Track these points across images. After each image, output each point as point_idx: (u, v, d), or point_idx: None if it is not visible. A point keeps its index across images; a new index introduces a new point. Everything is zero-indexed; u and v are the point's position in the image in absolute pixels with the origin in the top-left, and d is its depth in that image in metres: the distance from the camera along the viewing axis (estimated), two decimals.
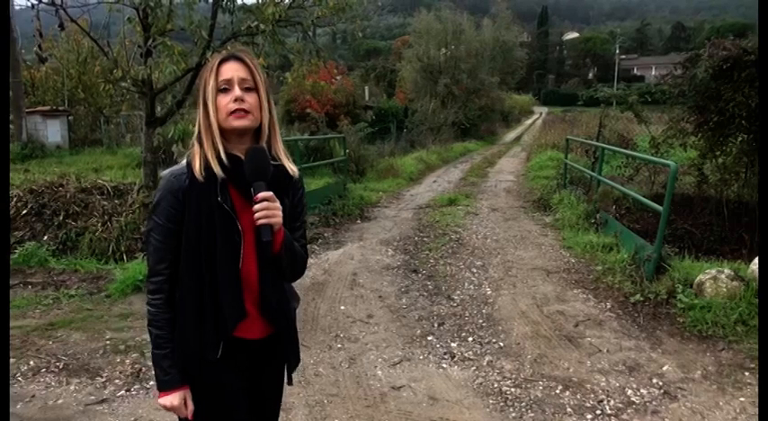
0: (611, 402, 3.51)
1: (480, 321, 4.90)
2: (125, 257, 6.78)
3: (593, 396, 3.59)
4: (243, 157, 1.62)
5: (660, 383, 3.74)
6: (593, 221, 8.12)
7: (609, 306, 5.21)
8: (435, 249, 7.34)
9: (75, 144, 20.03)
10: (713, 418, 3.31)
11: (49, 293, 5.60)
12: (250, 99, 1.63)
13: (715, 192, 8.50)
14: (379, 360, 4.14)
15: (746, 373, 3.84)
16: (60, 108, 20.51)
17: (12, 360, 4.06)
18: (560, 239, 7.82)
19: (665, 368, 3.97)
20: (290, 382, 1.90)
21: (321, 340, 4.47)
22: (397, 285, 5.91)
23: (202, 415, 1.73)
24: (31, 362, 4.04)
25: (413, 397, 3.59)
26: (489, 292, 5.67)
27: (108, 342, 4.39)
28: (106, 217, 7.43)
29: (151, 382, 3.75)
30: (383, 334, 4.64)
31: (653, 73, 61.75)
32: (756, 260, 4.89)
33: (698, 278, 4.95)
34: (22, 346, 4.31)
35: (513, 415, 3.39)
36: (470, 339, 4.52)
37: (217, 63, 1.65)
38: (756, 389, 3.61)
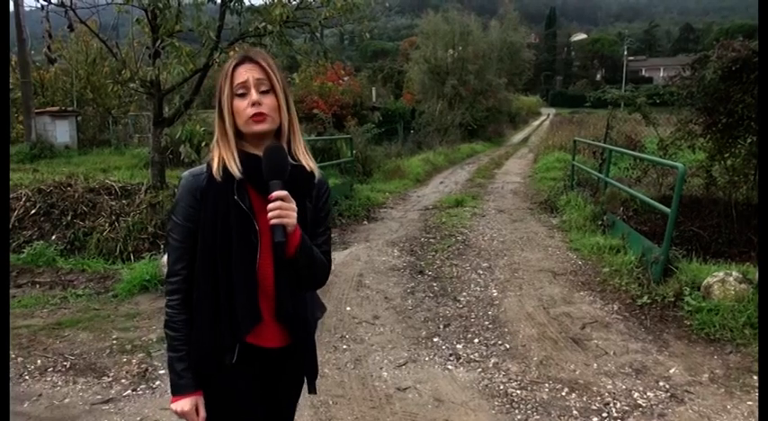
0: (618, 405, 3.49)
1: (486, 323, 4.89)
2: (132, 257, 6.82)
3: (599, 398, 3.57)
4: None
5: (667, 386, 3.72)
6: (600, 223, 8.08)
7: (616, 308, 5.19)
8: (441, 250, 7.33)
9: (83, 144, 20.14)
10: None
11: (56, 293, 5.63)
12: (267, 101, 1.59)
13: (723, 195, 8.45)
14: (385, 361, 4.14)
15: (754, 377, 3.81)
16: (69, 109, 20.64)
17: (19, 359, 4.08)
18: (567, 241, 7.79)
19: (672, 371, 3.94)
20: (312, 391, 1.83)
21: (327, 341, 4.47)
22: (403, 286, 5.90)
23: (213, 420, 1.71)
24: (39, 362, 4.06)
25: (418, 398, 3.58)
26: (495, 294, 5.66)
27: (114, 342, 4.41)
28: (114, 217, 7.46)
29: (157, 382, 3.76)
30: (389, 335, 4.64)
31: (661, 74, 61.54)
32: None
33: (706, 281, 4.92)
34: (30, 345, 4.34)
35: (519, 417, 3.38)
36: (476, 341, 4.51)
37: (231, 68, 1.60)
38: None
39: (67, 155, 17.66)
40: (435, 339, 4.55)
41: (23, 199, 7.60)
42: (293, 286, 1.66)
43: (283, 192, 1.50)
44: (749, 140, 7.96)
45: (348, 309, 5.22)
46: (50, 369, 3.96)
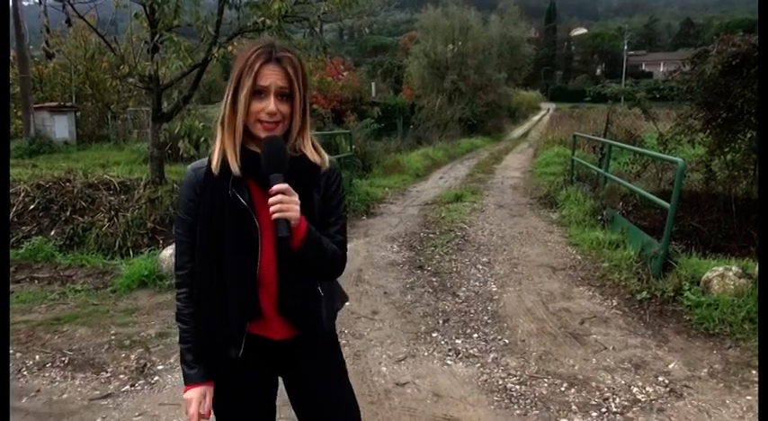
0: (617, 400, 3.49)
1: (485, 318, 4.88)
2: (131, 253, 6.81)
3: (598, 393, 3.57)
4: None
5: (666, 381, 3.71)
6: (599, 218, 8.08)
7: (615, 303, 5.18)
8: (441, 246, 7.32)
9: (82, 140, 20.12)
10: (720, 417, 3.28)
11: (55, 288, 5.63)
12: (283, 108, 1.55)
13: (723, 189, 8.44)
14: (384, 356, 4.13)
15: (754, 371, 3.80)
16: (68, 104, 20.61)
17: (17, 354, 4.08)
18: (567, 236, 7.78)
19: (671, 366, 3.94)
20: (310, 392, 1.82)
21: None
22: (403, 281, 5.90)
23: (221, 412, 1.72)
24: (37, 357, 4.06)
25: (417, 393, 3.58)
26: (495, 289, 5.65)
27: (113, 337, 4.41)
28: (113, 212, 7.45)
29: (156, 377, 3.76)
30: (388, 330, 4.63)
31: (661, 69, 61.45)
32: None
33: (705, 275, 4.92)
34: (28, 341, 4.33)
35: (518, 412, 3.37)
36: (475, 336, 4.51)
37: (258, 65, 1.53)
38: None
39: (66, 150, 17.65)
40: (434, 334, 4.54)
41: (22, 194, 7.59)
42: (299, 279, 1.63)
43: (284, 186, 1.47)
44: (749, 135, 7.94)
45: (347, 304, 5.21)
46: (49, 364, 3.95)
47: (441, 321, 4.82)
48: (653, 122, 10.88)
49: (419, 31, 37.05)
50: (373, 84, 31.37)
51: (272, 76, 1.53)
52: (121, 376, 3.78)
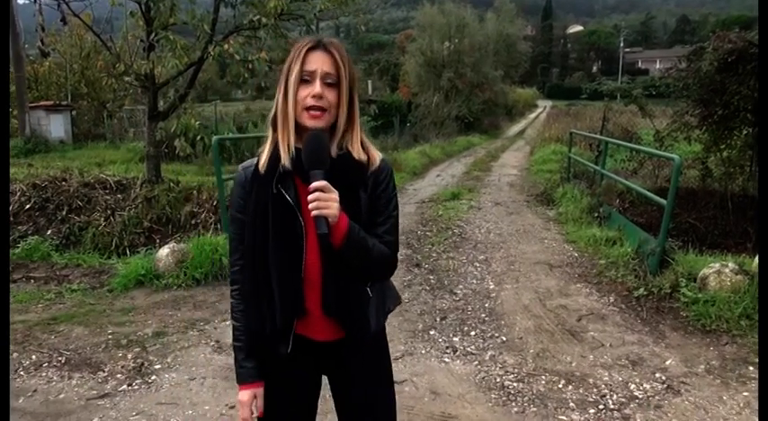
0: (614, 397, 3.49)
1: (483, 315, 4.89)
2: (128, 252, 6.80)
3: (595, 390, 3.57)
4: None
5: (663, 378, 3.72)
6: (596, 215, 8.09)
7: (612, 300, 5.19)
8: (438, 243, 7.32)
9: (78, 138, 20.07)
10: (716, 413, 3.29)
11: (51, 288, 5.61)
12: (330, 96, 1.55)
13: (719, 186, 8.46)
14: None
15: (750, 368, 3.82)
16: (63, 103, 20.53)
17: (14, 354, 4.07)
18: (564, 233, 7.79)
19: (668, 362, 3.95)
20: (354, 395, 1.79)
21: None
22: (400, 279, 5.90)
23: (264, 408, 1.71)
24: (33, 357, 4.05)
25: (415, 391, 3.58)
26: (492, 286, 5.65)
27: (110, 336, 4.39)
28: (109, 211, 7.44)
29: (153, 377, 3.75)
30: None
31: (657, 66, 61.49)
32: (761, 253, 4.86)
33: (702, 272, 4.92)
34: (25, 341, 4.32)
35: (516, 409, 3.38)
36: (473, 333, 4.51)
37: (305, 50, 1.56)
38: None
39: (62, 149, 17.61)
40: (432, 332, 4.54)
41: (18, 194, 7.57)
42: (346, 279, 1.61)
43: (322, 183, 1.46)
44: (745, 132, 7.97)
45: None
46: (45, 364, 3.94)
47: (438, 319, 4.82)
48: (649, 119, 10.90)
49: (415, 28, 37.07)
50: (370, 82, 31.37)
51: (318, 62, 1.55)
52: (118, 376, 3.77)
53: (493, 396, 3.53)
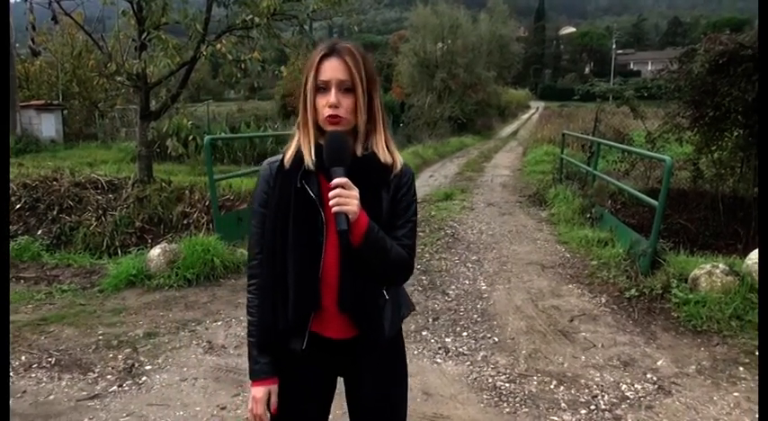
0: (606, 397, 3.50)
1: (475, 316, 4.89)
2: (119, 252, 6.76)
3: (587, 391, 3.58)
4: None
5: (654, 378, 3.73)
6: (588, 216, 8.11)
7: (604, 301, 5.21)
8: (431, 244, 7.32)
9: (69, 138, 19.98)
10: (707, 413, 3.30)
11: (41, 288, 5.56)
12: (346, 102, 1.56)
13: (710, 187, 8.50)
14: None
15: (741, 368, 3.84)
16: (55, 102, 20.44)
17: None
18: (556, 234, 7.81)
19: (659, 363, 3.96)
20: (367, 395, 1.79)
21: None
22: None
23: (278, 405, 1.71)
24: (23, 358, 4.01)
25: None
26: (484, 287, 5.66)
27: (100, 337, 4.36)
28: (100, 211, 7.40)
29: (144, 378, 3.73)
30: None
31: (649, 68, 61.86)
32: (752, 255, 4.89)
33: (693, 273, 4.95)
34: (14, 342, 4.28)
35: (508, 410, 3.38)
36: (465, 334, 4.51)
37: (318, 60, 1.57)
38: (751, 385, 3.61)
39: (53, 149, 17.53)
40: (424, 333, 4.54)
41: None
42: (363, 278, 1.61)
43: (343, 179, 1.48)
44: (736, 134, 8.01)
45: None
46: (35, 365, 3.91)
47: (430, 320, 4.82)
48: (641, 121, 10.94)
49: (409, 29, 37.09)
50: None
51: (331, 71, 1.56)
52: (109, 376, 3.75)
53: (485, 396, 3.53)
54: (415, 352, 4.18)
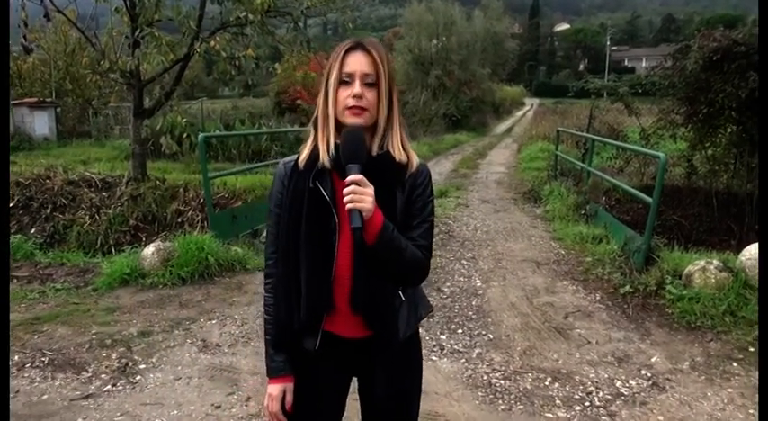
0: (600, 393, 3.51)
1: (470, 313, 4.89)
2: (113, 250, 6.74)
3: (582, 387, 3.59)
4: None
5: (649, 374, 3.74)
6: (583, 213, 8.13)
7: (598, 297, 5.22)
8: None
9: (62, 136, 19.89)
10: (701, 409, 3.31)
11: (34, 287, 5.53)
12: (369, 95, 1.56)
13: (704, 184, 8.54)
14: None
15: (734, 364, 3.85)
16: (48, 100, 20.33)
17: None
18: (550, 231, 7.82)
19: (653, 359, 3.97)
20: (380, 395, 1.77)
21: None
22: None
23: (293, 404, 1.70)
24: (16, 358, 3.99)
25: None
26: (479, 284, 5.66)
27: (94, 336, 4.35)
28: (94, 209, 7.38)
29: (138, 377, 3.72)
30: None
31: (643, 64, 61.90)
32: (745, 251, 4.90)
33: (687, 269, 4.96)
34: None
35: (503, 407, 3.38)
36: (460, 331, 4.51)
37: (343, 52, 1.58)
38: (744, 380, 3.63)
39: (46, 147, 17.44)
40: (419, 330, 4.53)
41: None
42: (377, 278, 1.60)
43: (358, 176, 1.47)
44: (729, 130, 8.04)
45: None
46: (28, 365, 3.89)
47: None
48: (635, 117, 10.97)
49: (403, 26, 37.02)
50: None
51: (356, 63, 1.57)
52: (103, 376, 3.73)
53: (480, 394, 3.54)
54: None
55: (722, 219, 7.88)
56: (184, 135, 11.90)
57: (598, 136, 10.69)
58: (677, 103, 8.31)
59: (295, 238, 1.61)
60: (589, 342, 4.28)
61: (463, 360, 4.01)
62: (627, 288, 5.23)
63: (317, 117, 1.63)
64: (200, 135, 6.88)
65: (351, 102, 1.55)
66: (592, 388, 3.58)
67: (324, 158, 1.58)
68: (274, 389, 1.68)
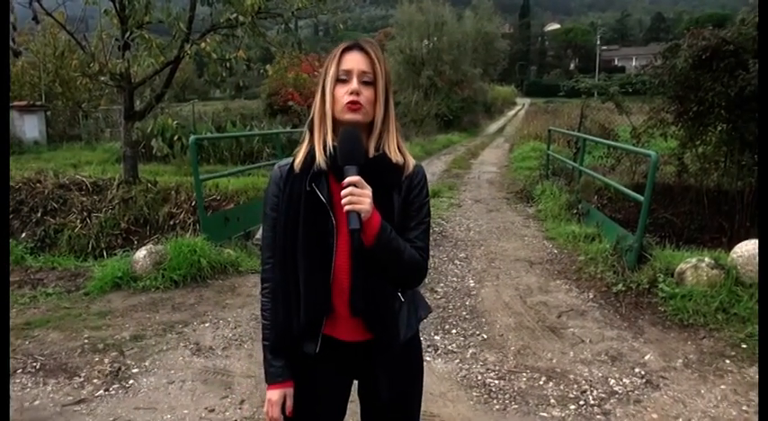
0: (595, 392, 3.51)
1: (464, 313, 4.89)
2: (104, 254, 6.70)
3: (576, 386, 3.59)
4: None
5: (642, 372, 3.75)
6: (575, 212, 8.15)
7: (591, 296, 5.23)
8: None
9: (53, 139, 19.77)
10: (695, 406, 3.32)
11: (25, 292, 5.49)
12: (366, 93, 1.57)
13: (695, 182, 8.59)
14: None
15: (727, 361, 3.87)
16: (37, 103, 20.19)
17: None
18: (543, 230, 7.84)
19: (647, 357, 3.98)
20: (382, 397, 1.73)
21: None
22: None
23: (293, 408, 1.69)
24: None
25: None
26: (473, 284, 5.67)
27: (86, 341, 4.32)
28: (85, 213, 7.34)
29: (131, 381, 3.70)
30: None
31: (633, 63, 62.21)
32: (736, 248, 4.93)
33: (679, 267, 4.98)
34: None
35: (497, 407, 3.38)
36: (454, 332, 4.51)
37: (340, 51, 1.60)
38: (737, 377, 3.64)
39: (36, 150, 17.34)
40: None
41: None
42: (376, 280, 1.60)
43: (355, 178, 1.46)
44: (719, 128, 8.09)
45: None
46: (20, 370, 3.86)
47: None
48: (626, 116, 11.02)
49: (394, 26, 37.00)
50: None
51: (354, 61, 1.58)
52: (95, 381, 3.71)
53: (474, 394, 3.54)
54: None
55: (713, 216, 7.93)
56: (176, 137, 11.87)
57: (589, 135, 10.72)
58: (667, 102, 8.36)
59: (293, 242, 1.60)
60: (583, 341, 4.29)
61: (457, 360, 4.01)
62: (620, 286, 5.24)
63: (312, 118, 1.63)
64: (192, 137, 6.85)
65: (348, 98, 1.55)
66: (586, 386, 3.59)
67: (320, 159, 1.57)
68: (274, 394, 1.66)
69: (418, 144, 20.37)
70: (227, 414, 3.28)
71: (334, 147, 1.57)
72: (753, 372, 3.67)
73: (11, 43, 11.83)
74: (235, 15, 7.56)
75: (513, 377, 3.74)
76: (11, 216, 7.30)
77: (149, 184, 7.93)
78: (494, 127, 36.65)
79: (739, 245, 4.96)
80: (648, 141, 9.35)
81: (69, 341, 4.32)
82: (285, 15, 8.45)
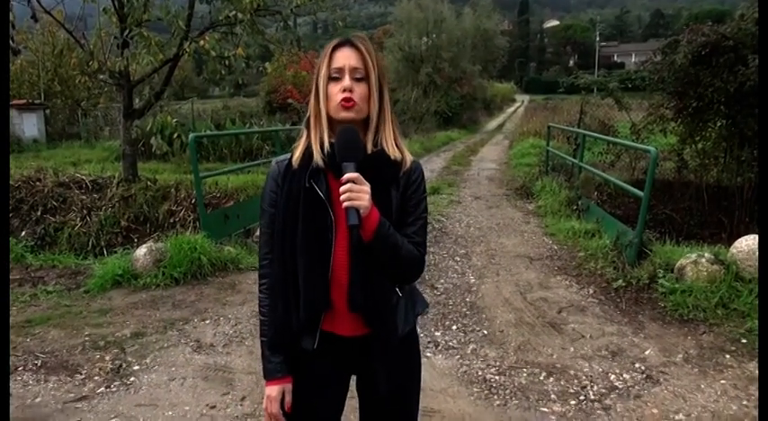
0: (595, 387, 3.52)
1: (464, 309, 4.90)
2: (105, 252, 6.71)
3: (576, 382, 3.60)
4: None
5: (642, 368, 3.76)
6: (575, 208, 8.15)
7: (591, 292, 5.24)
8: None
9: (52, 138, 19.77)
10: (695, 401, 3.33)
11: (26, 290, 5.50)
12: (359, 89, 1.57)
13: (695, 177, 8.59)
14: None
15: (727, 356, 3.87)
16: (36, 101, 20.19)
17: None
18: (543, 226, 7.84)
19: (647, 352, 3.99)
20: (381, 392, 1.72)
21: None
22: None
23: (291, 404, 1.70)
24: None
25: None
26: (473, 280, 5.67)
27: (87, 338, 4.32)
28: (85, 211, 7.34)
29: (132, 378, 3.70)
30: None
31: (633, 60, 62.10)
32: (736, 243, 4.93)
33: (679, 262, 4.99)
34: None
35: (498, 402, 3.39)
36: (454, 328, 4.52)
37: (331, 49, 1.60)
38: (737, 372, 3.65)
39: (36, 149, 17.35)
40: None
41: None
42: (374, 275, 1.60)
43: (354, 174, 1.47)
44: (719, 124, 8.08)
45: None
46: (21, 368, 3.86)
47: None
48: (626, 112, 11.01)
49: (393, 24, 36.97)
50: None
51: (344, 58, 1.58)
52: (96, 378, 3.71)
53: (475, 389, 3.54)
54: None
55: (713, 212, 7.93)
56: (175, 135, 11.86)
57: (589, 131, 10.72)
58: (667, 98, 8.36)
59: (291, 238, 1.60)
60: (583, 336, 4.29)
61: (458, 356, 4.01)
62: (620, 282, 5.25)
63: (309, 117, 1.63)
64: (191, 135, 6.85)
65: (341, 95, 1.55)
66: (586, 382, 3.59)
67: (317, 157, 1.58)
68: (272, 390, 1.67)
69: (418, 141, 20.36)
70: (228, 410, 3.29)
71: (331, 144, 1.57)
72: (753, 367, 3.68)
73: (10, 42, 11.81)
74: (234, 13, 7.55)
75: (513, 372, 3.75)
76: (11, 214, 7.30)
77: (149, 182, 7.93)
78: (493, 124, 36.64)
79: (739, 240, 4.97)
80: (648, 137, 9.35)
81: (70, 338, 4.33)
82: (284, 13, 8.43)
